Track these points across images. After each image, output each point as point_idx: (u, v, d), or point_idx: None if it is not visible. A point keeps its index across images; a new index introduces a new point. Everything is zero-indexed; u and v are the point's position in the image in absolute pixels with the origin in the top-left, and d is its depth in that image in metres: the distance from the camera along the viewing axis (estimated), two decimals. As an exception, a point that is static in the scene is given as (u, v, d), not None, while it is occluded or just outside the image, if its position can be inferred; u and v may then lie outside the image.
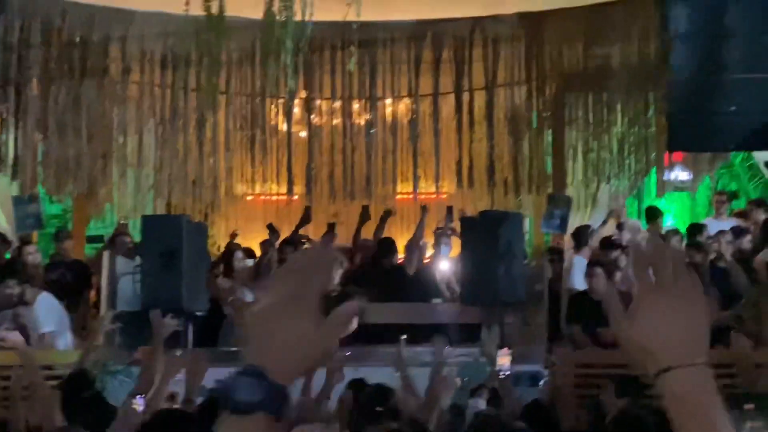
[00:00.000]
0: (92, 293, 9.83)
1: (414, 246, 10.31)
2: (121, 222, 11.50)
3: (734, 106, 8.10)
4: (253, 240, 12.68)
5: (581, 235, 10.48)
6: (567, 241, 11.49)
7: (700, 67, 8.15)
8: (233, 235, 12.48)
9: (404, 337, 5.99)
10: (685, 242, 10.14)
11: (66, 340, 8.57)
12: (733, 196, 14.00)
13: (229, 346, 9.05)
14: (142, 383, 5.29)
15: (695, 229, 10.66)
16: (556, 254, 10.37)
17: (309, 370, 1.42)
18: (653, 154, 11.11)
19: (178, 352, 5.94)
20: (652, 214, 11.38)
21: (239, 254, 10.50)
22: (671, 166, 11.92)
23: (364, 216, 11.38)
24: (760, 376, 5.88)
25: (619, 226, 11.38)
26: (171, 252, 8.25)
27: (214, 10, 5.99)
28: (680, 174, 11.98)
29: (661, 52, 9.63)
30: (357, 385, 6.01)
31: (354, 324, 1.38)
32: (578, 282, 9.43)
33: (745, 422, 4.31)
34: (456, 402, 5.64)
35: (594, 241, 10.41)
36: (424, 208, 11.32)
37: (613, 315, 1.44)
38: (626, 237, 11.06)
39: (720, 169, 13.10)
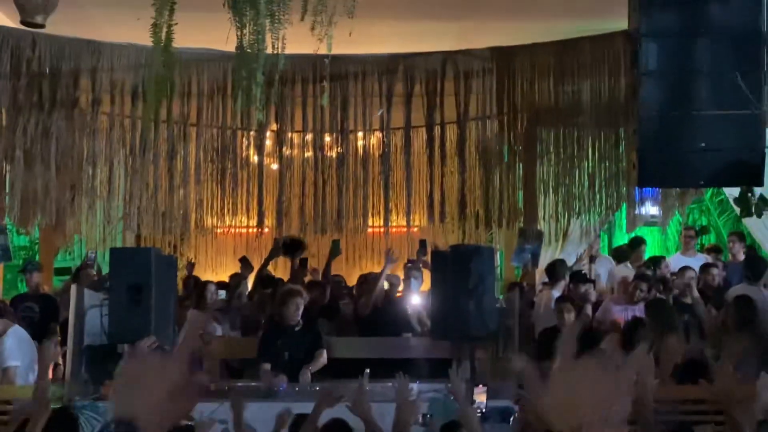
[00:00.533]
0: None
1: (371, 288, 10.20)
2: (89, 254, 11.39)
3: (703, 142, 8.13)
4: (222, 273, 12.62)
5: (556, 270, 10.50)
6: (538, 276, 11.52)
7: (669, 103, 8.18)
8: (191, 266, 12.43)
9: (367, 371, 5.91)
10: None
11: (31, 376, 8.44)
12: (703, 231, 14.10)
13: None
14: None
15: (653, 262, 10.71)
16: (520, 289, 10.37)
17: (177, 420, 1.39)
18: (624, 189, 11.17)
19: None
20: (636, 243, 11.46)
21: (212, 287, 10.43)
22: (642, 201, 11.98)
23: (335, 250, 11.35)
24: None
25: (591, 260, 11.43)
26: (139, 285, 8.15)
27: (161, 39, 5.97)
28: (651, 209, 12.04)
29: (632, 88, 9.70)
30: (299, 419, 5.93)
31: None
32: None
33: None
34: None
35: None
36: (388, 257, 11.29)
37: (530, 384, 1.47)
38: (598, 271, 11.12)
39: (690, 204, 13.19)
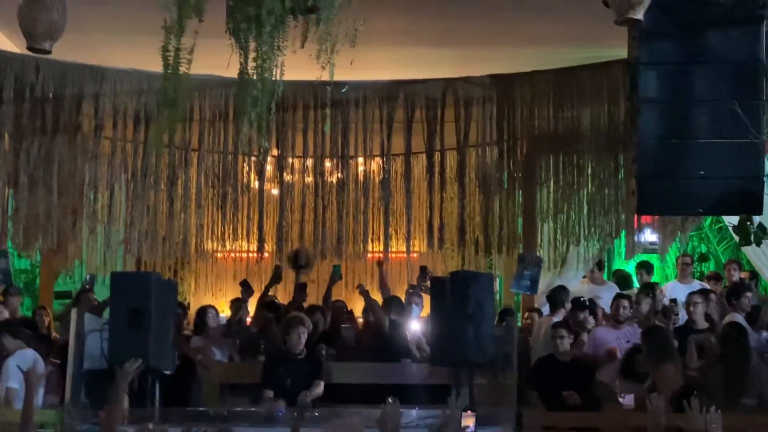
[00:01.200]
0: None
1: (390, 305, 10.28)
2: (86, 278, 11.40)
3: (702, 170, 8.18)
4: (222, 297, 12.65)
5: (557, 297, 10.52)
6: (537, 302, 11.54)
7: (668, 131, 8.23)
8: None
9: (390, 400, 5.90)
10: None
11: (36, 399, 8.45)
12: (703, 258, 14.13)
13: (195, 405, 8.98)
14: None
15: (649, 288, 10.71)
16: (508, 315, 10.40)
17: None
18: (623, 217, 11.20)
19: (150, 425, 5.87)
20: (646, 268, 11.49)
21: (212, 311, 10.46)
22: (641, 228, 12.00)
23: (335, 276, 11.37)
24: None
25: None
26: (139, 309, 8.19)
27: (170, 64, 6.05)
28: (650, 236, 12.06)
29: (631, 115, 9.75)
30: None
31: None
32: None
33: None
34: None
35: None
36: (379, 264, 11.39)
37: None
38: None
39: (690, 232, 13.22)
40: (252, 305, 11.35)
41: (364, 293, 10.56)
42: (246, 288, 11.41)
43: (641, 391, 8.19)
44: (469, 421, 6.37)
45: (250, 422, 7.83)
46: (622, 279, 11.87)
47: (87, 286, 11.12)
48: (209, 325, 10.22)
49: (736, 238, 8.81)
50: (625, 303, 9.86)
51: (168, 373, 8.57)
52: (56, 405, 8.27)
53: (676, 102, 8.25)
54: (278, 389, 8.60)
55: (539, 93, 11.52)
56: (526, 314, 11.16)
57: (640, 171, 8.27)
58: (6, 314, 10.02)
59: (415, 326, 10.26)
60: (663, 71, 8.23)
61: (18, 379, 8.45)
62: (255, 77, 6.49)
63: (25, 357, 8.56)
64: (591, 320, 10.15)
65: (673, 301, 10.24)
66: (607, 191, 11.28)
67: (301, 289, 11.47)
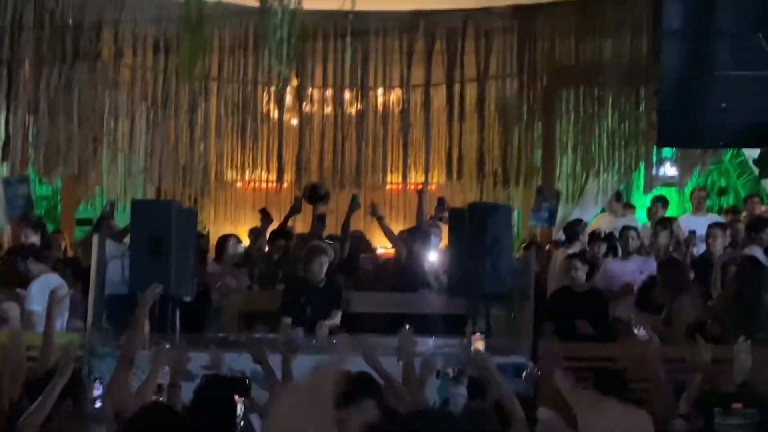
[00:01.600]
0: None
1: (415, 235, 10.31)
2: (106, 205, 11.48)
3: (724, 103, 8.13)
4: (241, 226, 12.71)
5: (572, 230, 10.52)
6: (555, 235, 11.56)
7: (691, 64, 8.18)
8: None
9: (408, 326, 5.96)
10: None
11: (62, 323, 8.59)
12: (722, 192, 14.08)
13: (215, 332, 9.08)
14: (121, 362, 5.38)
15: (667, 222, 10.70)
16: (536, 247, 10.41)
17: None
18: (642, 150, 11.16)
19: (167, 345, 5.95)
20: (662, 202, 11.44)
21: (233, 240, 10.52)
22: (660, 162, 11.97)
23: (354, 205, 11.39)
24: (719, 373, 5.95)
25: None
26: (160, 237, 8.24)
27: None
28: (669, 170, 12.02)
29: (653, 48, 9.69)
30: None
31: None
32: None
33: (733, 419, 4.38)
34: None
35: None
36: (420, 192, 11.30)
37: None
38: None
39: (709, 165, 13.16)
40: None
41: (380, 220, 10.54)
42: (265, 216, 11.43)
43: (656, 323, 8.23)
44: (479, 344, 6.42)
45: (269, 349, 7.91)
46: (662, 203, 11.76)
47: (107, 213, 11.19)
48: (229, 253, 10.28)
49: (757, 171, 8.78)
50: (633, 234, 9.83)
51: (188, 300, 8.66)
52: (79, 329, 8.38)
53: (700, 34, 8.18)
54: (297, 317, 8.65)
55: (561, 25, 11.43)
56: (548, 246, 11.17)
57: (662, 104, 8.24)
58: (33, 239, 10.12)
59: (433, 257, 10.29)
60: (687, 4, 8.15)
61: (41, 302, 8.57)
62: (275, 6, 6.49)
63: (49, 281, 8.67)
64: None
65: (692, 232, 10.21)
66: (627, 124, 11.24)
67: (320, 220, 11.50)
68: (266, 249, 11.14)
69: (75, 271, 9.58)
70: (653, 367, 5.92)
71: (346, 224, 11.20)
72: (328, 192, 11.62)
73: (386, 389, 5.50)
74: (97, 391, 5.09)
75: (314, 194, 11.46)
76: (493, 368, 5.05)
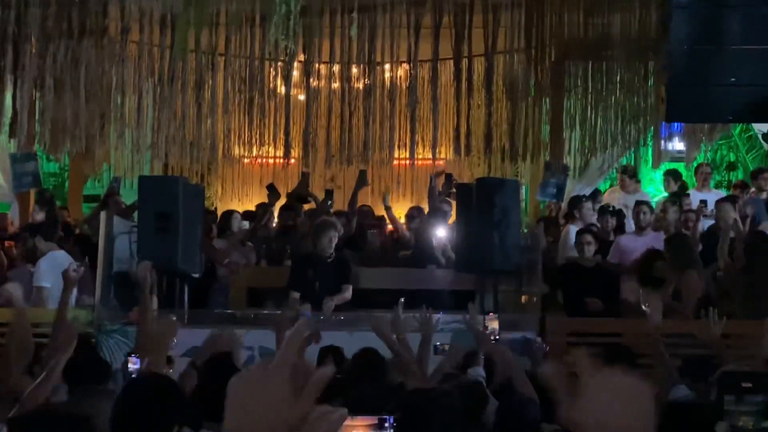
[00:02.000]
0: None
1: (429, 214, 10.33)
2: (112, 181, 11.48)
3: (733, 77, 8.08)
4: (249, 202, 12.71)
5: (574, 205, 10.50)
6: (563, 210, 11.53)
7: (699, 38, 8.11)
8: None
9: (402, 300, 6.00)
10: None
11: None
12: (731, 167, 14.04)
13: (221, 308, 9.10)
14: (139, 342, 5.39)
15: (676, 197, 10.67)
16: (545, 223, 10.38)
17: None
18: (651, 124, 11.11)
19: (173, 315, 5.97)
20: (674, 175, 11.37)
21: (237, 216, 10.52)
22: (670, 137, 11.92)
23: (361, 181, 11.38)
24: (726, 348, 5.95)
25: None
26: (167, 213, 8.25)
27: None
28: (677, 145, 11.97)
29: (661, 22, 9.61)
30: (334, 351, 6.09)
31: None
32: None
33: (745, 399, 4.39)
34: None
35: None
36: (435, 176, 11.34)
37: (559, 395, 1.48)
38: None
39: (718, 140, 13.11)
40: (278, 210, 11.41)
41: (388, 210, 10.58)
42: (272, 191, 11.43)
43: (663, 297, 8.22)
44: (492, 323, 6.43)
45: (284, 326, 7.91)
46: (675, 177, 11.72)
47: (114, 189, 11.19)
48: (233, 229, 10.29)
49: (766, 146, 8.74)
50: (645, 209, 9.80)
51: (196, 276, 8.67)
52: (88, 305, 8.40)
53: (709, 8, 8.11)
54: (306, 292, 8.63)
55: (569, -2, 11.36)
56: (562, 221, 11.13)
57: (671, 78, 8.18)
58: (41, 216, 10.15)
59: (441, 232, 10.28)
60: (696, -24, 8.09)
61: (49, 279, 8.60)
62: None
63: (56, 258, 8.69)
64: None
65: (703, 202, 10.15)
66: (636, 98, 11.18)
67: (327, 195, 11.50)
68: (274, 224, 11.15)
69: (83, 248, 9.60)
70: (653, 338, 5.96)
71: (353, 200, 11.20)
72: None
73: (394, 364, 5.52)
74: (134, 365, 5.04)
75: (300, 197, 11.46)
76: (502, 349, 5.09)
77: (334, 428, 1.36)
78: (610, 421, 1.44)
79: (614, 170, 11.96)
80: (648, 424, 1.46)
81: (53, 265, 8.65)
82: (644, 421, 1.46)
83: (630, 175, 11.42)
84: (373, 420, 3.41)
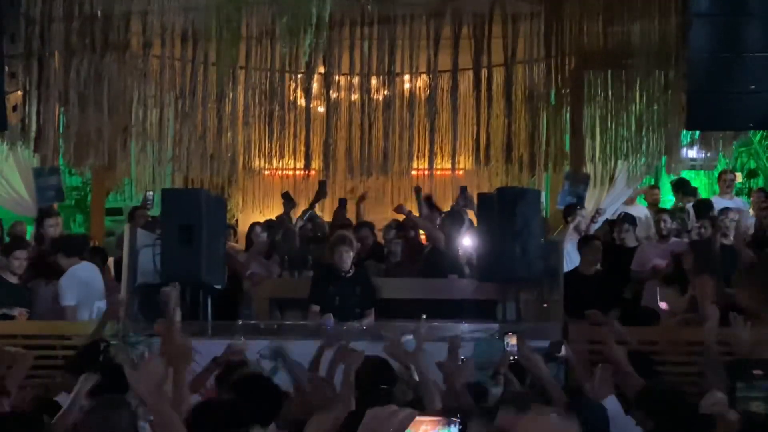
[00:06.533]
0: None
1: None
2: (147, 195, 11.57)
3: (753, 84, 8.09)
4: (270, 214, 12.77)
5: (567, 213, 10.59)
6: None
7: (719, 45, 8.14)
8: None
9: (424, 316, 5.99)
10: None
11: (92, 311, 8.69)
12: (752, 174, 14.01)
13: (246, 320, 9.13)
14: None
15: (704, 205, 10.68)
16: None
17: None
18: (672, 133, 11.10)
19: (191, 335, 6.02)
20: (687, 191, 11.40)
21: (257, 229, 10.58)
22: (691, 144, 11.90)
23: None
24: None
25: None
26: (190, 225, 8.29)
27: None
28: (690, 152, 11.97)
29: (681, 30, 9.61)
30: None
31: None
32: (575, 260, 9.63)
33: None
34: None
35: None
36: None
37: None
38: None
39: (739, 147, 13.08)
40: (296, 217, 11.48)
41: (406, 213, 10.61)
42: (288, 200, 11.50)
43: (680, 301, 8.23)
44: (512, 339, 6.40)
45: (300, 335, 7.96)
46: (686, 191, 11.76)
47: (148, 204, 11.30)
48: (255, 241, 10.35)
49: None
50: (666, 217, 9.88)
51: (219, 288, 8.72)
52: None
53: (728, 16, 8.14)
54: (326, 307, 8.64)
55: (589, 8, 11.36)
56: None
57: (691, 86, 8.20)
58: (59, 230, 10.22)
59: (465, 242, 10.29)
60: (715, -16, 8.10)
61: (73, 297, 8.69)
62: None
63: (75, 273, 8.77)
64: (632, 236, 10.21)
65: (725, 210, 10.16)
66: (655, 107, 11.16)
67: (341, 205, 11.59)
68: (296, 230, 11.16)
69: (103, 260, 9.69)
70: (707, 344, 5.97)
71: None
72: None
73: (402, 381, 5.51)
74: None
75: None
76: (534, 356, 5.12)
77: (403, 427, 1.40)
78: None
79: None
80: None
81: (73, 282, 8.75)
82: None
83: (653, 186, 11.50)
84: (439, 417, 3.39)
